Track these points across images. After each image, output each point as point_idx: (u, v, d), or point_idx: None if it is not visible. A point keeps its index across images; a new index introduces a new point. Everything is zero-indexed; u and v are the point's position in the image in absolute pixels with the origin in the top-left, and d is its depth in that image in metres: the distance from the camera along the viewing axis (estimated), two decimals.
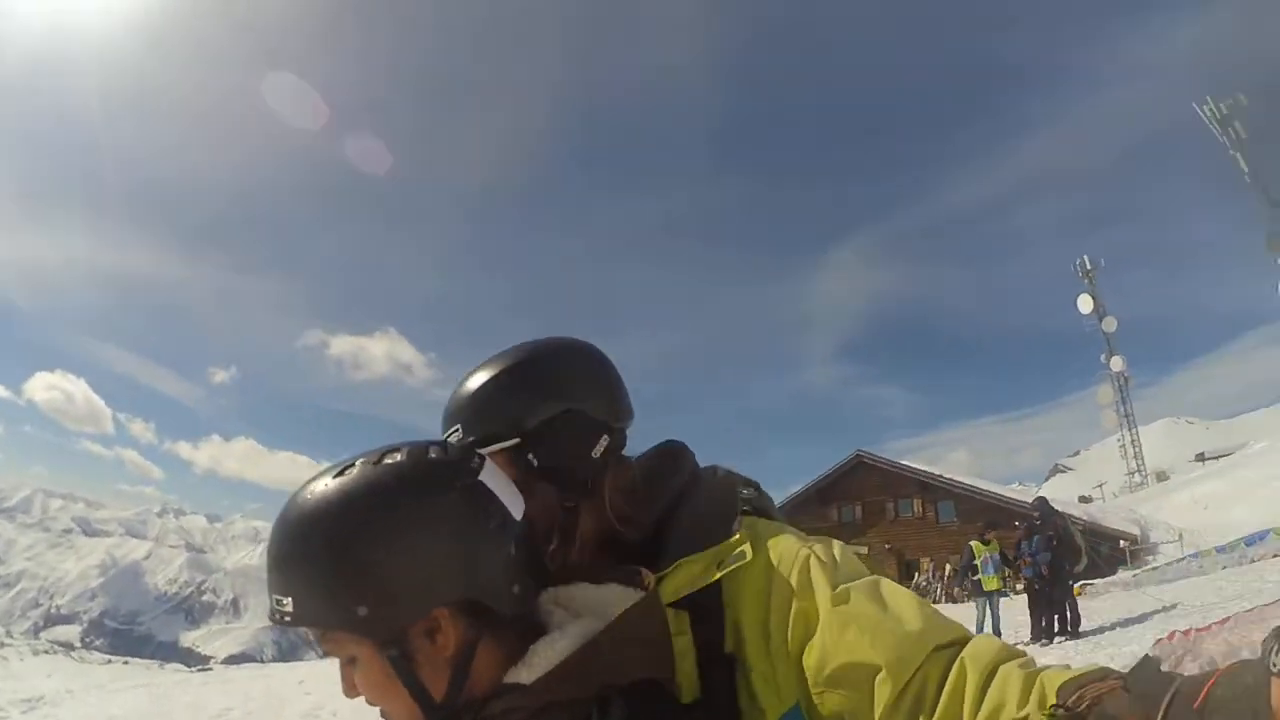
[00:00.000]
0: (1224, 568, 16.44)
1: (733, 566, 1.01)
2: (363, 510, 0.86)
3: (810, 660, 0.93)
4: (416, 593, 0.86)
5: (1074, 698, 0.74)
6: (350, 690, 0.93)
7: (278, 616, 0.88)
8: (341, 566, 0.84)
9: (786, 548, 1.03)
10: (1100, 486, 45.14)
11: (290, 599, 0.86)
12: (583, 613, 0.98)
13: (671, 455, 1.23)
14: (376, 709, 0.93)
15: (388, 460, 0.90)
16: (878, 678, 0.87)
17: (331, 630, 0.88)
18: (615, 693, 0.87)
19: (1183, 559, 18.40)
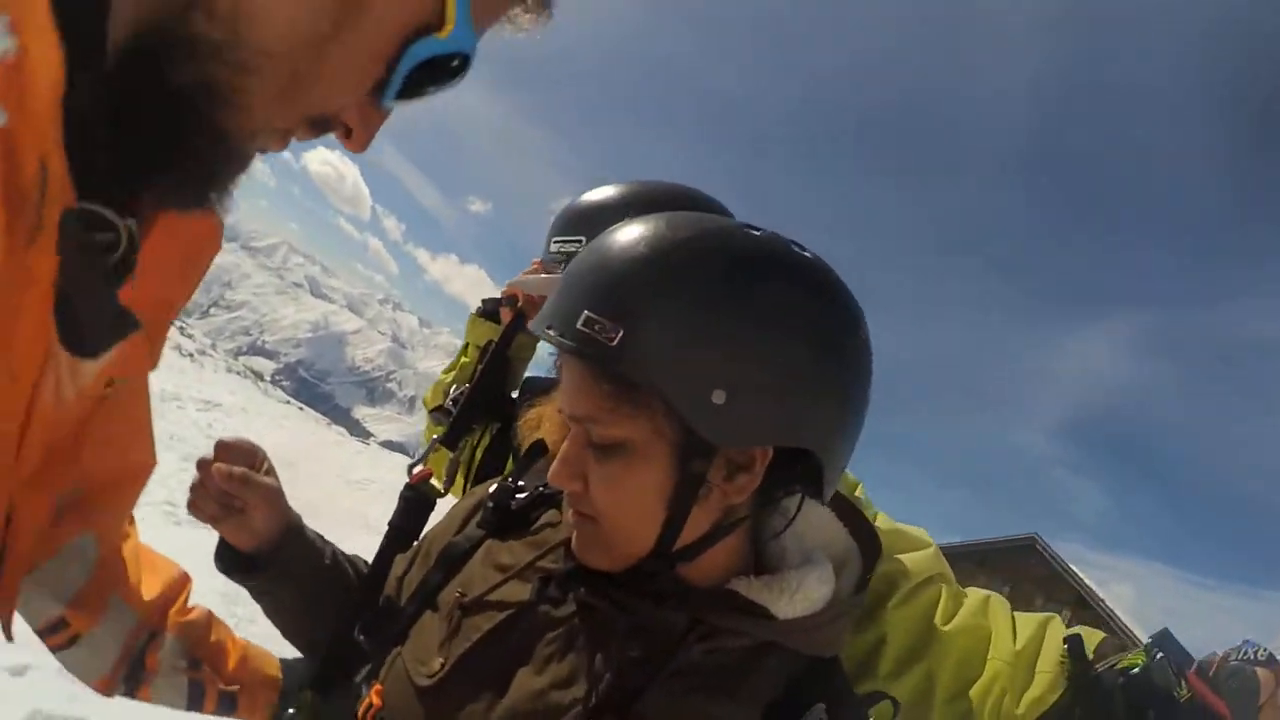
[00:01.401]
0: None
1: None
2: (782, 285, 0.68)
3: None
4: (780, 414, 0.67)
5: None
6: (572, 478, 0.71)
7: (577, 343, 0.66)
8: (731, 333, 0.65)
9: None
10: None
11: (624, 330, 0.64)
12: (804, 538, 0.83)
13: None
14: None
15: (801, 250, 0.72)
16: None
17: (641, 394, 0.66)
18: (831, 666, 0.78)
19: None
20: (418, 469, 1.17)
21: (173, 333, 0.78)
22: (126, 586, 0.96)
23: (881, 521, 1.08)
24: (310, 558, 1.05)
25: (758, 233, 0.71)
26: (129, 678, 0.99)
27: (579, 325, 0.65)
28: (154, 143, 0.50)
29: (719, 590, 0.74)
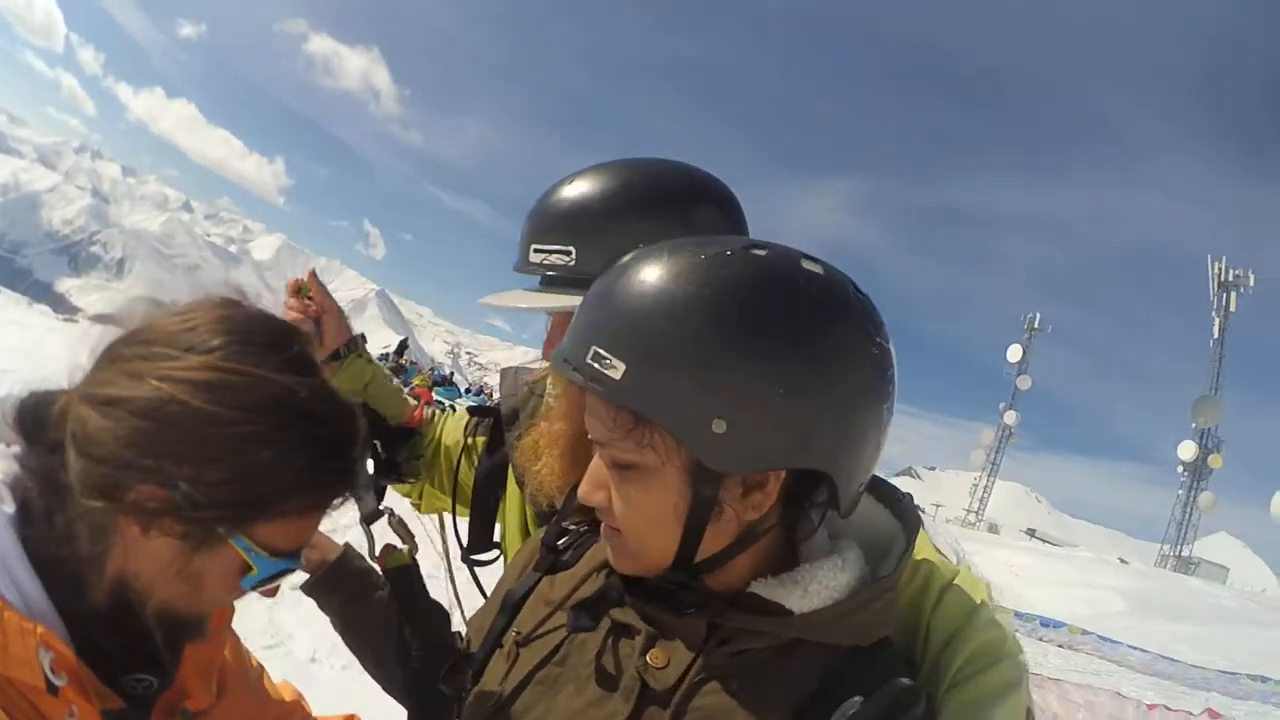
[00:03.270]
0: (1015, 630, 19.37)
1: None
2: (780, 312, 0.70)
3: None
4: (785, 438, 0.70)
5: None
6: (595, 492, 0.78)
7: (584, 376, 0.72)
8: (727, 364, 0.68)
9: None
10: (937, 507, 45.64)
11: (626, 366, 0.69)
12: (836, 524, 0.86)
13: None
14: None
15: (809, 266, 0.73)
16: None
17: (649, 427, 0.71)
18: (868, 655, 0.76)
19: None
20: (377, 553, 1.18)
21: None
22: None
23: None
24: (364, 581, 1.16)
25: (763, 253, 0.72)
26: None
27: (588, 359, 0.71)
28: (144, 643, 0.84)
29: (739, 593, 0.77)
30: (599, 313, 0.74)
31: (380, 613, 1.15)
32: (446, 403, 14.02)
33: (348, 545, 1.20)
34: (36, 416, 0.82)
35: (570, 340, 0.76)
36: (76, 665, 0.76)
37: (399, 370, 16.17)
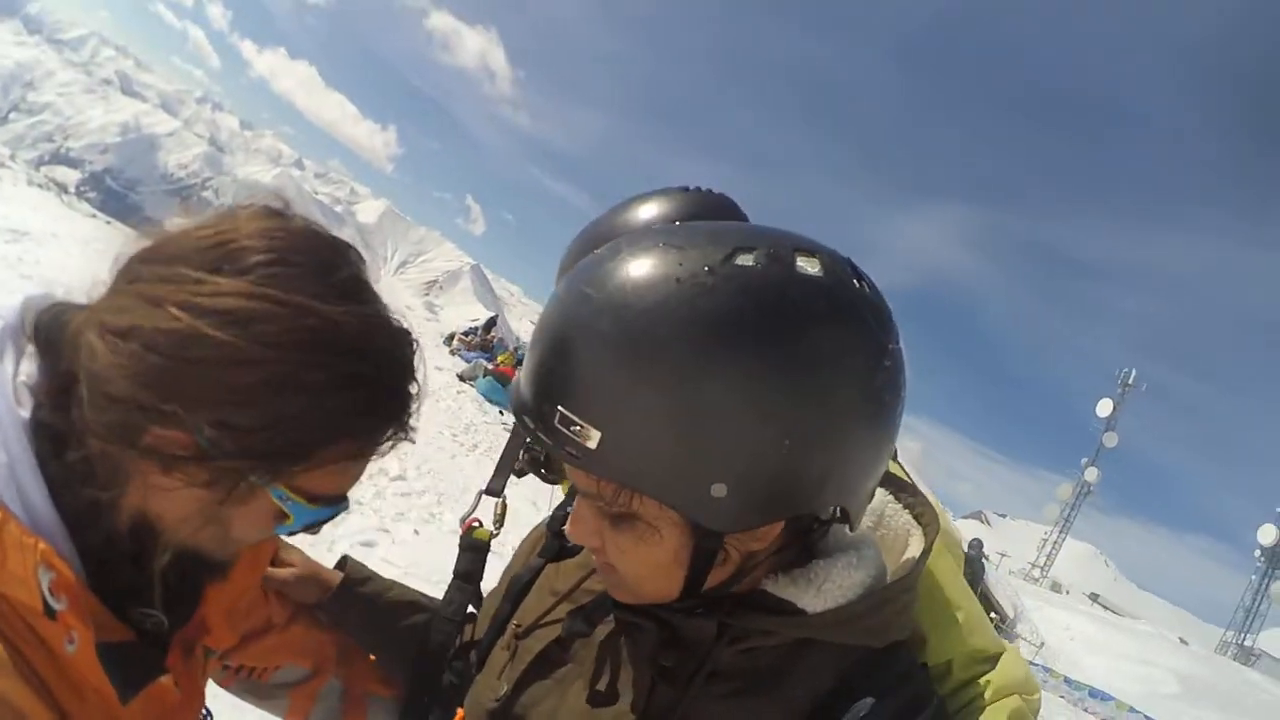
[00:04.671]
0: (1060, 696, 16.96)
1: None
2: (778, 351, 0.58)
3: None
4: (795, 489, 0.62)
5: None
6: (589, 537, 0.71)
7: (554, 442, 0.62)
8: (724, 422, 0.58)
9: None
10: (1002, 556, 44.27)
11: (600, 433, 0.60)
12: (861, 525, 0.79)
13: None
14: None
15: (804, 266, 0.61)
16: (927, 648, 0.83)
17: (645, 494, 0.63)
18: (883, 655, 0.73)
19: (1033, 664, 18.04)
20: (468, 518, 1.22)
21: None
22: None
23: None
24: (373, 598, 1.17)
25: (750, 262, 0.60)
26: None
27: (556, 424, 0.62)
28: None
29: (750, 592, 0.72)
30: (560, 362, 0.63)
31: (398, 614, 1.16)
32: None
33: (348, 561, 1.21)
34: (50, 335, 0.73)
35: (529, 387, 0.67)
36: (78, 589, 0.68)
37: (486, 346, 16.19)
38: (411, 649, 1.12)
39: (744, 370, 0.58)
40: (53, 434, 0.70)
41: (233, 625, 0.93)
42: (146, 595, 0.78)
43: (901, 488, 0.84)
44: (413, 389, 0.77)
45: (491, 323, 18.32)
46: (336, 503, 0.78)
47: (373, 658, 1.21)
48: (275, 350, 0.65)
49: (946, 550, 0.92)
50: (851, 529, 0.73)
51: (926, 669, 0.79)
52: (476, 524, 1.22)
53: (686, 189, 1.17)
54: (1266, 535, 33.74)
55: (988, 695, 0.81)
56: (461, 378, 12.63)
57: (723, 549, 0.67)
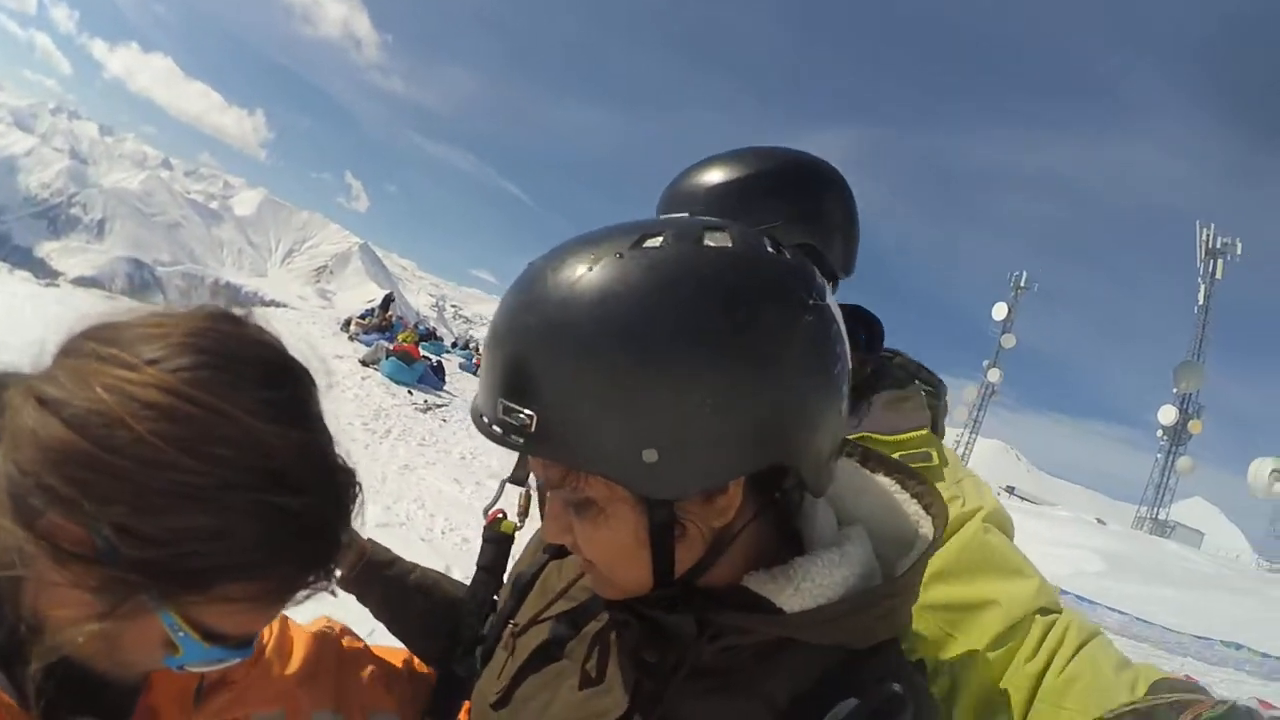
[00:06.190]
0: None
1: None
2: (689, 314, 0.62)
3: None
4: (728, 448, 0.64)
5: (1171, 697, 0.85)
6: (561, 534, 0.73)
7: (502, 431, 0.66)
8: (642, 389, 0.61)
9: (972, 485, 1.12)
10: None
11: (535, 414, 0.64)
12: (849, 512, 0.81)
13: (866, 324, 1.24)
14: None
15: (711, 242, 0.65)
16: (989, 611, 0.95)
17: (583, 470, 0.66)
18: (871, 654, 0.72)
19: None
20: (491, 509, 1.19)
21: None
22: None
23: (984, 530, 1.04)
24: (395, 580, 1.18)
25: (657, 245, 0.64)
26: None
27: (500, 414, 0.66)
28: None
29: (730, 588, 0.73)
30: (496, 355, 0.68)
31: (419, 598, 1.19)
32: (434, 358, 13.83)
33: (371, 543, 1.19)
34: None
35: (481, 392, 0.72)
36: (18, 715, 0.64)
37: (385, 326, 15.74)
38: (435, 631, 1.16)
39: (653, 337, 0.61)
40: None
41: (184, 704, 0.86)
42: (78, 701, 0.72)
43: (911, 475, 0.82)
44: (344, 538, 0.72)
45: (388, 300, 17.79)
46: (238, 647, 0.71)
47: (373, 665, 1.18)
48: (191, 458, 0.60)
49: (990, 531, 1.03)
50: (814, 494, 0.73)
51: (919, 666, 0.79)
52: (501, 515, 1.19)
53: (756, 150, 1.17)
54: (1167, 415, 35.39)
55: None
56: (364, 363, 12.21)
57: (680, 524, 0.68)
